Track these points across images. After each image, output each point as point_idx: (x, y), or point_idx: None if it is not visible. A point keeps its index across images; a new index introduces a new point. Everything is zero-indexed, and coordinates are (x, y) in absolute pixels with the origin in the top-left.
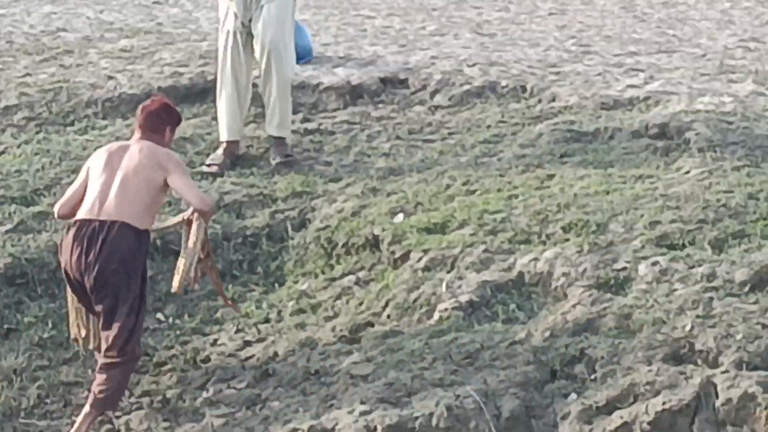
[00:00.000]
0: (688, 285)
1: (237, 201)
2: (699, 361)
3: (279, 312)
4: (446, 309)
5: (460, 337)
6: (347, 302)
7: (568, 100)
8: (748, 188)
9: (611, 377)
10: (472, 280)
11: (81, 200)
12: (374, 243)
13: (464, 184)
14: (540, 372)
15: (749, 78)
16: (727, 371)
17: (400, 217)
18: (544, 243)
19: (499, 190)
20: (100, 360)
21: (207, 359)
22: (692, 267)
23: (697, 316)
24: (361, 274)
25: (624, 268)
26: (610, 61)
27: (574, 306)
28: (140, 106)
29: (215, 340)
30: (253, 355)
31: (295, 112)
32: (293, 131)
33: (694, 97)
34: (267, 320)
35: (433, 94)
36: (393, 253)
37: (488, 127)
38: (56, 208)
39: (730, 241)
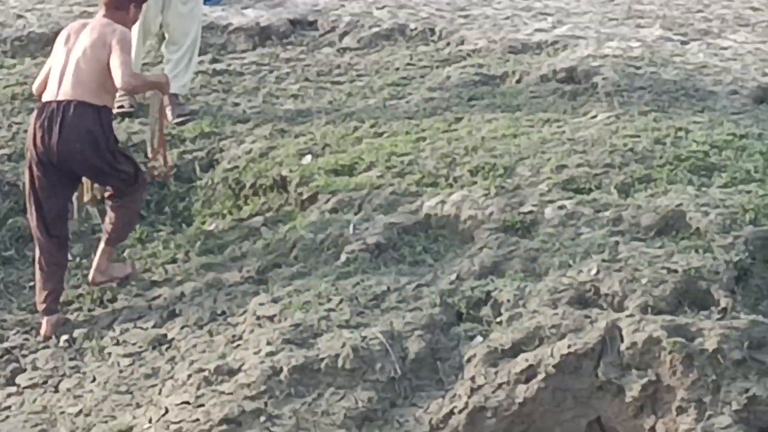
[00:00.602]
0: (595, 229)
1: (145, 141)
2: (604, 305)
3: (186, 252)
4: (353, 251)
5: (367, 279)
6: (254, 243)
7: (477, 44)
8: (654, 133)
9: (517, 320)
10: (379, 223)
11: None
12: (282, 184)
13: (372, 126)
14: (446, 314)
15: (657, 23)
16: (632, 315)
17: (308, 158)
18: (451, 186)
19: (406, 133)
20: (113, 202)
21: (114, 299)
22: (598, 211)
23: (603, 260)
24: (268, 215)
25: (531, 212)
26: (519, 5)
27: (480, 249)
28: None
29: (128, 274)
30: (159, 296)
31: (203, 53)
32: (202, 72)
33: (601, 42)
34: (174, 261)
35: (341, 36)
36: (300, 194)
37: (396, 69)
38: (33, 89)
39: (637, 186)
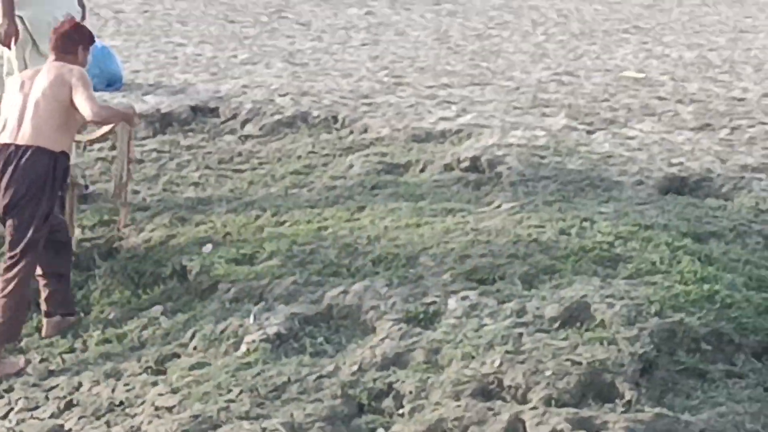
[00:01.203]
0: (498, 320)
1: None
2: (508, 397)
3: (84, 342)
4: (254, 341)
5: (267, 369)
6: (154, 333)
7: (380, 132)
8: (559, 223)
9: (419, 412)
10: (280, 312)
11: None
12: (182, 273)
13: (274, 215)
14: (347, 406)
15: (562, 112)
16: (535, 408)
17: (209, 247)
18: (353, 276)
19: (308, 222)
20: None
21: (10, 389)
22: (502, 302)
23: (507, 352)
24: (168, 304)
25: (433, 302)
26: (423, 93)
27: (382, 340)
28: (52, 29)
29: (19, 370)
30: (57, 385)
31: (104, 140)
32: (101, 158)
33: (506, 131)
34: (72, 350)
35: (243, 123)
36: (201, 283)
37: (299, 157)
38: None
39: (541, 277)
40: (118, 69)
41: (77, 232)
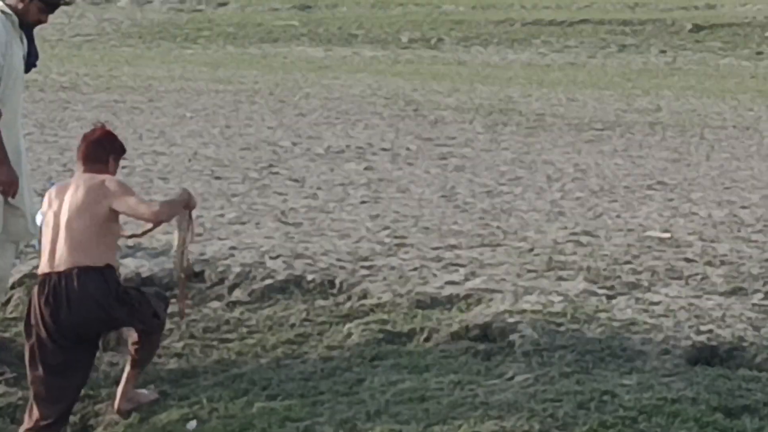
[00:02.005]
0: None
1: (12, 404)
2: None
3: None
4: None
5: None
6: None
7: (381, 297)
8: (578, 397)
9: None
10: None
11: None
12: None
13: (264, 388)
14: None
15: (580, 275)
16: None
17: (193, 424)
18: None
19: (302, 396)
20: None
21: None
22: None
23: None
24: None
25: None
26: (428, 255)
27: None
28: (82, 136)
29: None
30: None
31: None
32: None
33: (519, 296)
34: None
35: (231, 288)
36: None
37: (292, 326)
38: None
39: None
40: None
41: None
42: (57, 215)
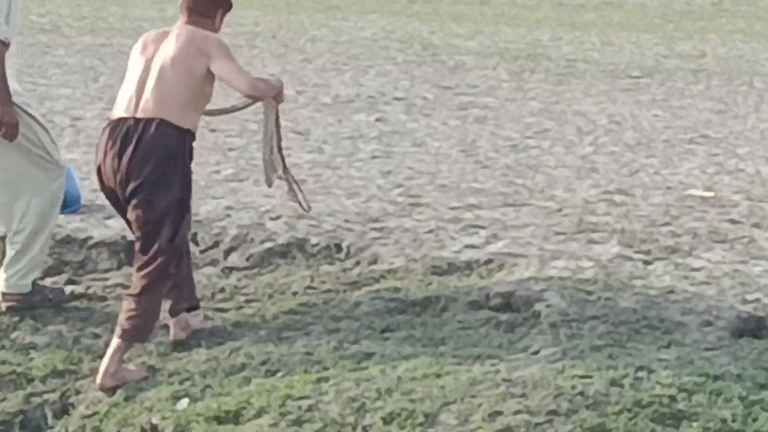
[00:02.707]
0: None
1: None
2: None
3: None
4: None
5: None
6: None
7: (393, 263)
8: (610, 373)
9: None
10: None
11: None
12: None
13: (263, 363)
14: None
15: (614, 238)
16: None
17: (185, 402)
18: None
19: (305, 372)
20: (135, 277)
21: None
22: None
23: None
24: None
25: None
26: (445, 216)
27: None
28: None
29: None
30: None
31: (58, 273)
32: None
33: (546, 261)
34: None
35: (227, 252)
36: None
37: (294, 294)
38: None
39: None
40: (76, 188)
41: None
42: (149, 62)
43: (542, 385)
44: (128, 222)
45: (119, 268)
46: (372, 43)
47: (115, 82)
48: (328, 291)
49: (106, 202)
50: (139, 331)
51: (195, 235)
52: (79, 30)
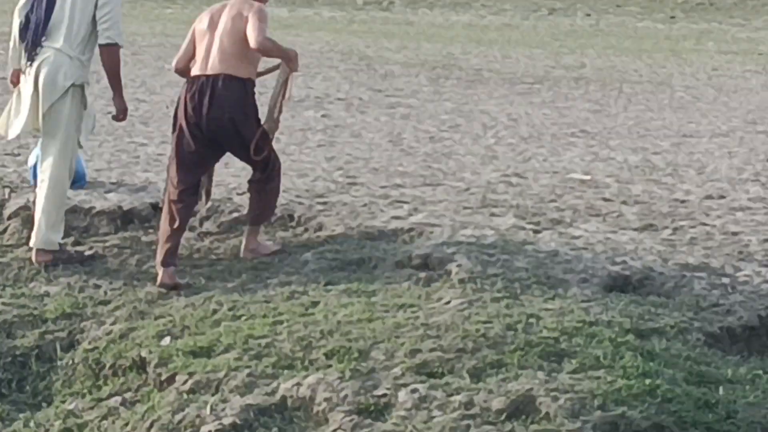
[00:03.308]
0: (446, 412)
1: (7, 321)
2: None
3: (46, 431)
4: (211, 431)
5: None
6: (113, 422)
7: (334, 230)
8: (506, 319)
9: None
10: (236, 404)
11: (191, 57)
12: (141, 365)
13: (230, 309)
14: None
15: (510, 212)
16: None
17: (167, 340)
18: (307, 368)
19: (264, 316)
20: (252, 184)
21: None
22: (450, 395)
23: None
24: (127, 395)
25: (384, 395)
26: (376, 193)
27: (335, 430)
28: None
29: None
30: None
31: (66, 236)
32: None
33: (456, 230)
34: None
35: (202, 221)
36: (159, 375)
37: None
38: (173, 64)
39: (488, 370)
40: (82, 168)
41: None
42: (213, 30)
43: (453, 328)
44: (198, 162)
45: (116, 232)
46: (319, 54)
47: None
48: (284, 252)
49: (108, 178)
50: (265, 215)
51: None
52: None
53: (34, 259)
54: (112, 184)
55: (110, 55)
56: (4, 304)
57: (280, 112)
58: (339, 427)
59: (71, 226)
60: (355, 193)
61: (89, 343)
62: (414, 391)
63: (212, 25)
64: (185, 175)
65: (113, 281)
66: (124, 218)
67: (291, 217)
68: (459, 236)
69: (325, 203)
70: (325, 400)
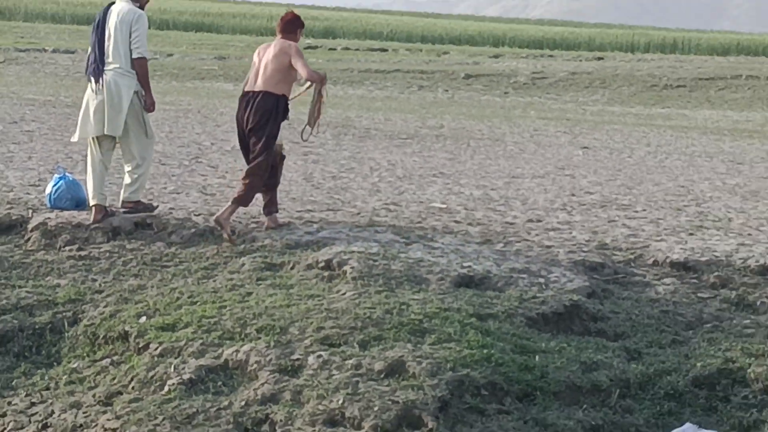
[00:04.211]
0: (342, 372)
1: (29, 304)
2: (348, 425)
3: (56, 383)
4: (174, 384)
5: (182, 404)
6: (104, 377)
7: (264, 242)
8: (385, 306)
9: None
10: (192, 365)
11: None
12: (125, 336)
13: (189, 297)
14: (238, 430)
15: (389, 230)
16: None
17: (143, 319)
18: (243, 340)
19: (213, 302)
20: (245, 170)
21: (4, 414)
22: (345, 359)
23: (348, 394)
24: (114, 357)
25: (298, 359)
26: (294, 215)
27: (262, 384)
28: (280, 18)
29: (9, 402)
30: (36, 412)
31: (71, 243)
32: (70, 257)
33: (351, 242)
34: (48, 388)
35: (170, 234)
36: (138, 343)
37: (207, 258)
38: (243, 87)
39: (372, 342)
40: (84, 195)
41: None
42: (260, 60)
43: (347, 312)
44: (246, 148)
45: (108, 242)
46: None
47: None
48: (227, 257)
49: None
50: (243, 200)
51: (151, 224)
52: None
53: (120, 204)
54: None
55: (140, 66)
56: (27, 292)
57: (319, 114)
58: (266, 381)
59: (76, 236)
60: (278, 215)
61: (88, 320)
62: (319, 356)
63: (260, 56)
64: (244, 155)
65: (105, 276)
66: (113, 232)
67: (232, 232)
68: (352, 247)
69: (257, 222)
70: (256, 362)
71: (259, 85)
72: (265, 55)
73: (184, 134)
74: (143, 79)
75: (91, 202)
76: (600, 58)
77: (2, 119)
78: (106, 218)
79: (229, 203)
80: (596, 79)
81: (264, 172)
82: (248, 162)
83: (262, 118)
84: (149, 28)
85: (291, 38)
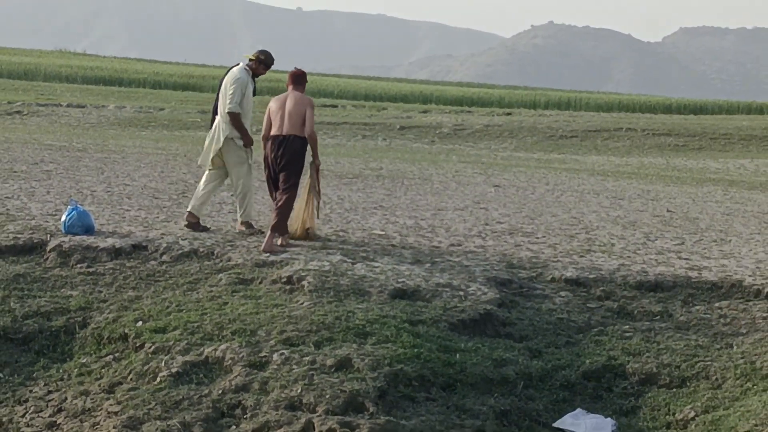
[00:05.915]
0: (301, 366)
1: (48, 311)
2: (305, 410)
3: (69, 374)
4: (164, 376)
5: (171, 391)
6: (108, 371)
7: (238, 261)
8: (335, 313)
9: (255, 417)
10: (179, 360)
11: (269, 128)
12: (125, 337)
13: (176, 306)
14: (216, 413)
15: (339, 252)
16: (320, 415)
17: (140, 323)
18: (220, 340)
19: (197, 311)
20: (278, 203)
21: (27, 400)
22: (303, 356)
23: (305, 384)
24: (116, 354)
25: (265, 356)
26: (262, 241)
27: (236, 376)
28: (289, 74)
29: (30, 390)
30: (53, 398)
31: (81, 262)
32: (82, 274)
33: (308, 261)
34: (62, 379)
35: (161, 254)
36: (135, 343)
37: (191, 275)
38: (261, 136)
39: (325, 343)
40: (92, 223)
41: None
42: (282, 109)
43: (305, 318)
44: (275, 182)
45: (111, 260)
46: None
47: (110, 176)
48: (208, 273)
49: (106, 229)
50: (279, 228)
51: (146, 246)
52: (95, 149)
53: (238, 226)
54: (110, 233)
55: (233, 118)
56: (45, 301)
57: (319, 189)
58: (238, 374)
59: (86, 256)
60: (249, 239)
61: (95, 324)
62: (282, 354)
63: (281, 106)
64: (271, 190)
65: (109, 289)
66: (116, 252)
67: (212, 253)
68: (309, 266)
69: (232, 245)
70: (231, 358)
71: (287, 130)
72: (285, 105)
73: (173, 174)
74: (237, 127)
75: (188, 208)
76: (509, 114)
77: (26, 161)
78: (194, 226)
79: (268, 231)
80: (505, 131)
81: (293, 202)
82: (272, 195)
83: (292, 156)
84: (146, 87)
85: (301, 89)
